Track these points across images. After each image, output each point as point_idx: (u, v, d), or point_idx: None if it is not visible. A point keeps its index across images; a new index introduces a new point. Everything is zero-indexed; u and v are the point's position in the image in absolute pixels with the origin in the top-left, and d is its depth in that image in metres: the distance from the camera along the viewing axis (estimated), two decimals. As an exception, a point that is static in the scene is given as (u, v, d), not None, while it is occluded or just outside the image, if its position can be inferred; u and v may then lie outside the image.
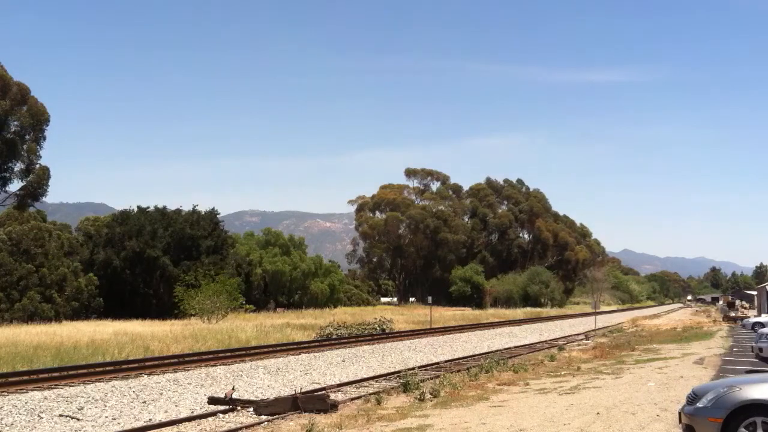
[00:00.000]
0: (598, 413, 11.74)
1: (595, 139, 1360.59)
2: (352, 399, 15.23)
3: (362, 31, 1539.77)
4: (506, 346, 31.01)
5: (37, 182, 52.29)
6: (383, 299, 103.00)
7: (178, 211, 60.76)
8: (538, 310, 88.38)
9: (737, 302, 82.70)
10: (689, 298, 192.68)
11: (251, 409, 13.77)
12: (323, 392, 15.07)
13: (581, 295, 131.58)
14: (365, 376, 19.64)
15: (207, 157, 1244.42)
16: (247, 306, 51.01)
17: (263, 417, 13.13)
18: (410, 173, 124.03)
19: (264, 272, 70.01)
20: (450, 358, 25.26)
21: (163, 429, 12.27)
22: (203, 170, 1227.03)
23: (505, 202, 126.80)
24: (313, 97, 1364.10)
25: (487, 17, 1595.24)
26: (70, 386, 16.27)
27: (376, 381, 18.69)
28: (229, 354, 23.75)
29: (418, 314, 60.17)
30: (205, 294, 42.94)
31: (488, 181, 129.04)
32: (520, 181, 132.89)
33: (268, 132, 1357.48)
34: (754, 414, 8.03)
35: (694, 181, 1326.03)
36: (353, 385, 17.95)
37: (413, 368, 19.23)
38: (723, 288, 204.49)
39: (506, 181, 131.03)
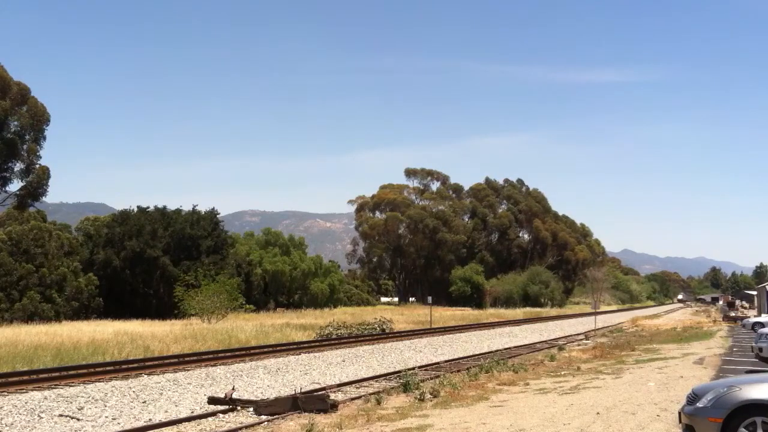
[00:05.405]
0: (598, 413, 11.74)
1: (596, 139, 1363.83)
2: (352, 399, 15.21)
3: (362, 30, 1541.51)
4: (506, 346, 31.00)
5: (37, 182, 52.31)
6: (383, 299, 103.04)
7: (178, 211, 60.82)
8: (538, 310, 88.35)
9: (737, 302, 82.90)
10: (680, 297, 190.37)
11: (251, 409, 13.77)
12: (323, 392, 15.07)
13: (581, 295, 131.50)
14: (365, 376, 19.63)
15: (207, 157, 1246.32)
16: (247, 306, 50.99)
17: (263, 417, 13.12)
18: (410, 173, 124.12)
19: (264, 272, 70.01)
20: (450, 358, 25.25)
21: (163, 429, 12.26)
22: (203, 170, 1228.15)
23: (505, 202, 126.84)
24: (313, 96, 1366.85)
25: (487, 17, 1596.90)
26: (70, 386, 16.26)
27: (376, 381, 18.68)
28: (229, 354, 23.74)
29: (418, 314, 60.17)
30: (205, 294, 42.95)
31: (488, 181, 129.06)
32: (519, 181, 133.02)
33: (268, 132, 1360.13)
34: (754, 414, 8.02)
35: (695, 181, 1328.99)
36: (353, 385, 17.95)
37: (413, 368, 19.22)
38: (723, 288, 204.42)
39: (506, 181, 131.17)
